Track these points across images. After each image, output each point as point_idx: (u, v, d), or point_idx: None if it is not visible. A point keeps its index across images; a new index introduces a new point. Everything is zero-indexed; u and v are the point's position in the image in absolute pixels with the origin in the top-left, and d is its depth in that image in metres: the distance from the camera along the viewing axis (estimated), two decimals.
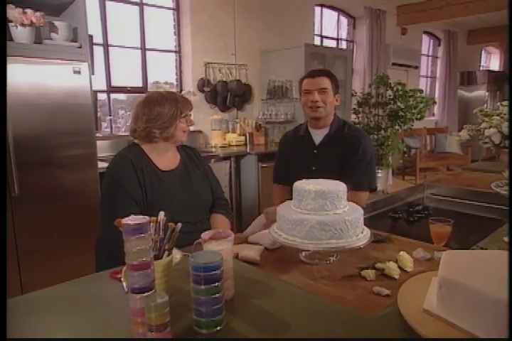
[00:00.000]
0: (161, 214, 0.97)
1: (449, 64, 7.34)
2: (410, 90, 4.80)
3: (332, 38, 5.66)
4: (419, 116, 4.81)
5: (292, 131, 1.97)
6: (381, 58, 5.77)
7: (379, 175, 4.86)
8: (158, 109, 1.42)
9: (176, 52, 3.97)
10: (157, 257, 0.92)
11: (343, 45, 5.85)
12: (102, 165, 2.46)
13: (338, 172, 1.65)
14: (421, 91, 4.88)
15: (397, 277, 1.07)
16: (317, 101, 1.73)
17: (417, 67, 6.63)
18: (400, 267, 1.10)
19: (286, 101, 4.16)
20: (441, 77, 7.43)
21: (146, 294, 0.76)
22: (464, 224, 1.66)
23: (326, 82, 1.74)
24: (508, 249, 1.15)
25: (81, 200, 2.43)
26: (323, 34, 5.47)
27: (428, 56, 7.52)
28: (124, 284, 0.93)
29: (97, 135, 2.77)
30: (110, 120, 3.55)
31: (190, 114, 1.52)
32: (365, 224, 1.20)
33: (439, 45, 7.47)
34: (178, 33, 3.94)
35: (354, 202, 1.24)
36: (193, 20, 3.83)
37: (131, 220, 0.77)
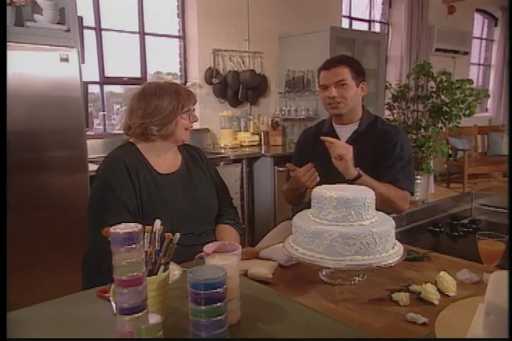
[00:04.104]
0: (157, 222, 0.98)
1: (508, 49, 7.23)
2: (457, 81, 4.75)
3: (363, 20, 5.66)
4: (467, 112, 4.76)
5: (314, 128, 1.99)
6: (422, 43, 5.73)
7: (418, 181, 4.79)
8: (156, 102, 1.44)
9: (179, 37, 4.03)
10: (151, 273, 0.93)
11: (377, 28, 5.85)
12: (93, 167, 2.50)
13: (369, 174, 1.64)
14: (471, 82, 4.82)
15: (436, 302, 1.06)
16: (334, 97, 1.73)
17: (466, 53, 6.56)
18: (440, 290, 1.09)
19: (307, 94, 4.17)
20: (497, 65, 7.34)
21: (136, 315, 0.78)
22: None
23: (343, 72, 1.72)
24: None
25: (68, 208, 2.46)
26: (353, 15, 5.47)
27: (481, 39, 7.44)
28: (114, 304, 0.94)
29: (88, 133, 2.82)
30: (103, 116, 3.61)
31: (194, 109, 1.54)
32: (397, 239, 1.19)
33: (496, 25, 7.39)
34: (182, 15, 4.00)
35: (397, 199, 1.20)
36: (200, 0, 3.88)
37: (121, 228, 0.78)
